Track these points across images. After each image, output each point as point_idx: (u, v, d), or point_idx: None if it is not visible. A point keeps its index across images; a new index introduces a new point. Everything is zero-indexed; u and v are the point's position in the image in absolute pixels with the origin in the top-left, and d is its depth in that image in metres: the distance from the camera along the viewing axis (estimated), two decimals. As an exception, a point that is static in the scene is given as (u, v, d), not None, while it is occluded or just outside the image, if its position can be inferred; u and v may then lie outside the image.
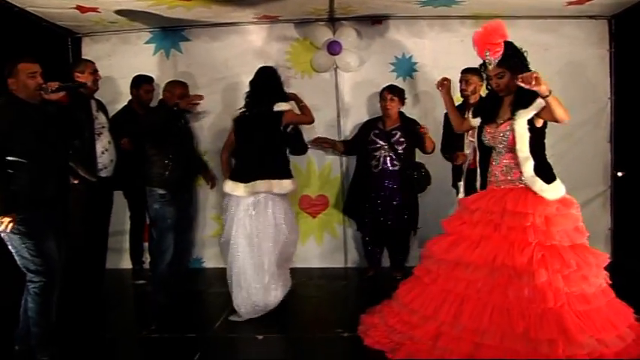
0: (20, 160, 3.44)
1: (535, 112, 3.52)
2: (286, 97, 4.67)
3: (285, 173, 4.55)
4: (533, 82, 3.29)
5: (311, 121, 4.87)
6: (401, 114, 5.23)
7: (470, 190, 4.17)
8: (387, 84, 5.29)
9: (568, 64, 5.62)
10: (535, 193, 3.53)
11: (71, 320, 4.15)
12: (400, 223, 5.20)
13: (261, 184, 4.39)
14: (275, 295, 4.40)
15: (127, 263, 5.80)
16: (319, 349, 3.92)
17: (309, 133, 5.41)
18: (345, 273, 5.71)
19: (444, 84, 4.16)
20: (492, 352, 3.27)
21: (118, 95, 5.68)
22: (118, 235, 5.75)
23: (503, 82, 3.63)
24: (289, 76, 5.39)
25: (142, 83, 5.38)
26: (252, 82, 4.68)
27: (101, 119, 4.78)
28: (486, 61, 3.65)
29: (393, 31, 5.72)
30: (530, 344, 3.21)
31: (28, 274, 3.52)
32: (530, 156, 3.55)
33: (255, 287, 4.34)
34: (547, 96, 3.33)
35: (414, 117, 5.34)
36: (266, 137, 4.50)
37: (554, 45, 5.60)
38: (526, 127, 3.54)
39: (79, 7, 4.93)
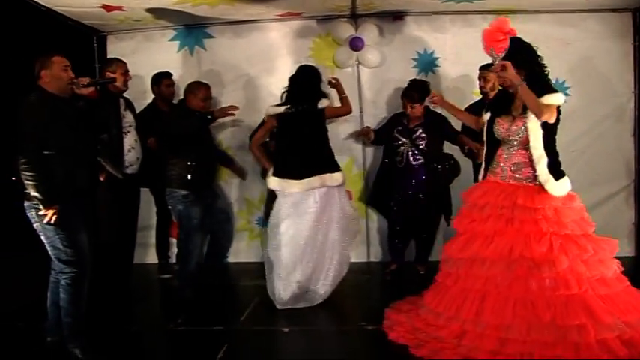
0: (54, 152, 3.53)
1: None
2: (326, 94, 4.77)
3: (335, 166, 4.70)
4: (499, 69, 3.54)
5: (348, 111, 4.91)
6: (426, 109, 5.20)
7: None
8: (408, 83, 5.26)
9: (590, 57, 5.61)
10: (542, 190, 3.59)
11: (99, 313, 4.23)
12: (426, 217, 5.25)
13: (315, 180, 4.51)
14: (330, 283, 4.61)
15: (153, 258, 5.90)
16: (343, 342, 3.99)
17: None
18: (368, 267, 5.76)
19: (435, 100, 4.26)
20: (519, 345, 3.29)
21: (142, 92, 5.76)
22: (145, 231, 5.84)
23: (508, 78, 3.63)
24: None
25: (161, 79, 5.47)
26: (294, 80, 4.74)
27: (129, 118, 4.84)
28: (492, 58, 3.71)
29: (415, 26, 5.75)
30: (559, 332, 3.24)
31: (59, 264, 3.61)
32: (545, 153, 3.59)
33: (316, 278, 4.57)
34: (517, 86, 3.52)
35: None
36: (315, 133, 4.64)
37: (576, 39, 5.60)
38: (539, 123, 3.56)
39: (104, 6, 5.02)
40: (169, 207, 4.85)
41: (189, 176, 4.64)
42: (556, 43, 5.55)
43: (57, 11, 5.09)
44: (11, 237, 5.49)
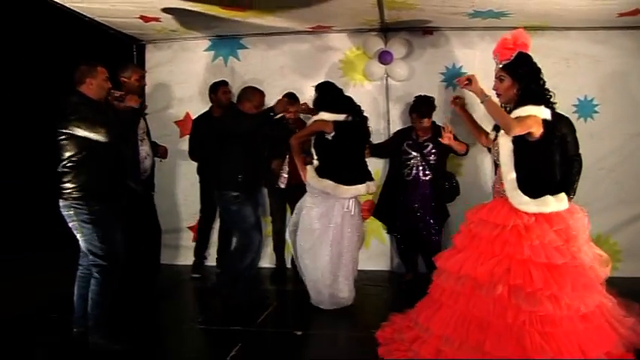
0: (95, 153, 3.77)
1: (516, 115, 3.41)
2: None
3: (371, 175, 4.93)
4: (465, 82, 3.46)
5: None
6: (433, 124, 5.32)
7: None
8: (415, 99, 5.37)
9: (620, 75, 5.58)
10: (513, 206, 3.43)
11: (124, 311, 4.40)
12: (431, 231, 5.29)
13: (363, 187, 4.73)
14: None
15: (182, 259, 6.08)
16: (352, 348, 4.06)
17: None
18: (389, 276, 5.82)
19: (457, 102, 3.99)
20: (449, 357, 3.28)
21: (172, 100, 5.96)
22: (174, 233, 6.01)
23: (502, 87, 3.54)
24: None
25: (218, 87, 5.63)
26: (339, 91, 4.88)
27: (142, 124, 4.94)
28: (495, 63, 3.63)
29: (444, 41, 5.82)
30: (484, 357, 3.16)
31: (93, 258, 3.80)
32: (513, 169, 3.45)
33: (346, 281, 4.69)
34: (482, 101, 3.41)
35: (461, 126, 5.32)
36: (365, 144, 4.99)
37: (605, 56, 5.57)
38: (508, 138, 3.44)
39: (142, 17, 5.25)
40: (221, 209, 4.90)
41: (240, 176, 4.69)
42: (586, 60, 5.56)
43: (99, 21, 5.33)
44: (44, 236, 5.72)
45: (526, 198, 3.38)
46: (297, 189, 5.39)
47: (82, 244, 3.83)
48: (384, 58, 5.67)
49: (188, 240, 6.23)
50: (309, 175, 4.70)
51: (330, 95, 4.80)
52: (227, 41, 6.11)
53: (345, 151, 4.73)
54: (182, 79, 5.97)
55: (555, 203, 3.40)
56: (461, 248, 3.56)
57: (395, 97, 5.92)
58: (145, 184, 4.95)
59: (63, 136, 3.74)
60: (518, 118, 3.37)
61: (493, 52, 3.64)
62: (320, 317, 4.62)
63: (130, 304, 4.61)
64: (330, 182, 4.62)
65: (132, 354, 3.83)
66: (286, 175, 5.57)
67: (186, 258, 6.06)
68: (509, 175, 3.45)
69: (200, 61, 6.17)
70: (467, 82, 3.53)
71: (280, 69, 6.04)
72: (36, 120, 4.61)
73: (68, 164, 3.75)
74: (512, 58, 3.50)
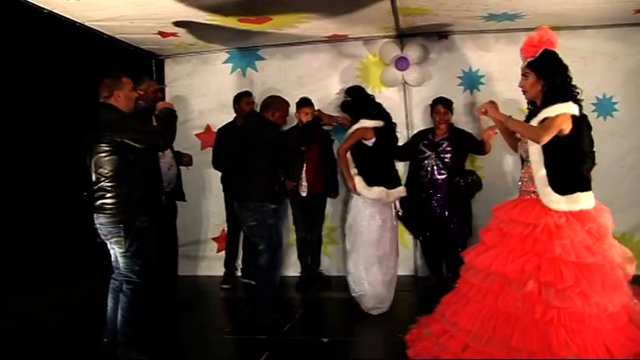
0: (138, 165, 3.82)
1: (545, 116, 3.44)
2: None
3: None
4: (483, 110, 3.62)
5: None
6: (450, 125, 5.38)
7: None
8: (437, 97, 5.44)
9: (638, 71, 5.56)
10: (544, 204, 3.43)
11: (150, 322, 4.44)
12: (452, 232, 5.27)
13: (402, 189, 4.95)
14: None
15: (202, 270, 6.14)
16: (379, 353, 4.11)
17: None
18: (414, 281, 5.83)
19: (492, 107, 3.77)
20: (476, 354, 3.31)
21: (192, 113, 6.04)
22: (195, 245, 6.07)
23: (528, 84, 3.58)
24: None
25: (241, 97, 5.74)
26: (369, 97, 5.04)
27: None
28: (522, 60, 3.65)
29: (460, 45, 5.85)
30: (511, 352, 3.18)
31: (128, 274, 3.81)
32: (543, 166, 3.46)
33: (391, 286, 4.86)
34: (506, 123, 3.56)
35: (478, 129, 5.43)
36: (395, 148, 5.12)
37: (624, 53, 5.56)
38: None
39: (160, 33, 5.35)
40: (253, 222, 4.53)
41: (276, 187, 4.63)
42: (603, 59, 5.55)
43: (118, 38, 5.45)
44: (73, 251, 5.83)
45: (557, 196, 3.39)
46: (319, 198, 5.45)
47: (121, 260, 3.81)
48: (401, 64, 5.71)
49: (211, 251, 6.30)
50: (361, 186, 4.75)
51: (366, 101, 4.93)
52: (245, 53, 6.19)
53: (384, 156, 4.87)
54: (201, 91, 6.06)
55: (585, 200, 3.42)
56: (490, 245, 3.58)
57: (413, 103, 5.95)
58: (171, 195, 4.99)
59: (106, 150, 3.71)
60: (547, 121, 3.39)
61: (520, 50, 3.66)
62: (346, 324, 4.68)
63: (152, 316, 4.63)
64: (382, 189, 4.75)
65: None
66: (305, 184, 5.60)
67: (208, 269, 6.16)
68: (540, 172, 3.46)
69: (219, 73, 6.26)
70: (484, 111, 3.65)
71: (298, 79, 6.10)
72: (64, 135, 4.68)
73: (113, 178, 3.72)
74: (537, 55, 3.53)
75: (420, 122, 5.93)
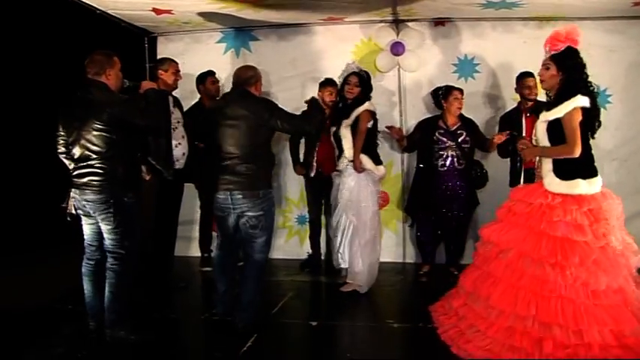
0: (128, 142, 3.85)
1: (553, 117, 3.68)
2: None
3: None
4: (521, 149, 4.04)
5: None
6: (460, 114, 5.34)
7: None
8: (447, 85, 5.39)
9: (633, 65, 5.56)
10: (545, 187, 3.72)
11: (141, 301, 4.45)
12: (463, 218, 5.37)
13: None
14: None
15: (195, 251, 6.11)
16: (368, 338, 4.11)
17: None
18: (402, 268, 5.85)
19: (527, 148, 4.02)
20: (466, 310, 3.82)
21: (190, 92, 5.97)
22: (188, 225, 6.05)
23: (547, 74, 3.76)
24: None
25: (206, 77, 5.70)
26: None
27: (177, 114, 5.03)
28: (545, 52, 3.80)
29: (456, 32, 5.81)
30: (487, 310, 3.61)
31: (114, 249, 3.83)
32: None
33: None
34: (540, 154, 3.82)
35: (472, 118, 5.44)
36: None
37: (621, 46, 5.54)
38: (545, 126, 3.74)
39: (154, 10, 5.26)
40: (259, 212, 4.04)
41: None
42: (600, 51, 5.50)
43: (110, 14, 5.35)
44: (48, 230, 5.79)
45: (557, 180, 3.67)
46: (330, 179, 5.42)
47: (108, 236, 3.82)
48: (396, 49, 5.67)
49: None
50: (370, 165, 4.93)
51: (370, 85, 5.05)
52: (239, 33, 6.12)
53: (376, 137, 5.11)
54: (194, 70, 5.96)
55: (585, 186, 3.62)
56: (499, 220, 3.93)
57: (407, 88, 5.91)
58: (176, 173, 4.95)
59: (100, 128, 3.70)
60: (567, 132, 3.59)
61: (544, 43, 3.80)
62: (335, 308, 4.68)
63: (145, 295, 4.67)
64: (381, 167, 5.06)
65: (150, 344, 3.88)
66: (315, 164, 5.56)
67: (199, 250, 6.10)
68: (543, 159, 3.79)
69: (212, 52, 6.18)
70: (521, 149, 4.05)
71: (292, 60, 6.04)
72: (44, 113, 4.61)
73: (104, 155, 3.72)
74: (561, 50, 3.69)
75: (414, 108, 5.91)
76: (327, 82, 5.37)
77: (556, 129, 3.66)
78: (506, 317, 3.51)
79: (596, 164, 3.68)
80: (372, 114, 4.98)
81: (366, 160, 4.89)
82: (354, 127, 4.92)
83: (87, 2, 4.93)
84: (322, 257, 5.88)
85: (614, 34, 5.54)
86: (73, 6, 4.91)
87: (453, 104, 5.25)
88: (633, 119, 5.56)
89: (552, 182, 3.68)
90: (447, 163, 5.25)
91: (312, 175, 5.58)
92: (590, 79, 3.75)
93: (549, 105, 3.78)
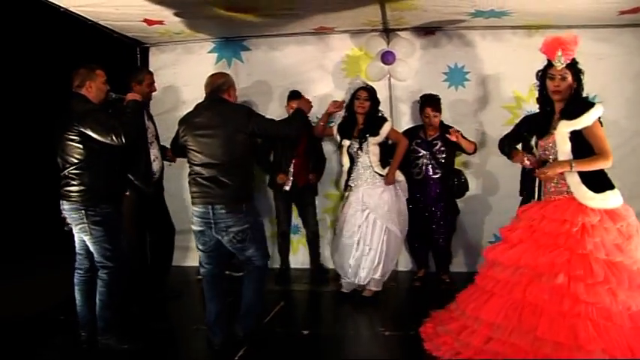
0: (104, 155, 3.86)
1: (579, 127, 3.53)
2: None
3: None
4: (543, 175, 3.60)
5: None
6: (441, 123, 5.37)
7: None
8: (426, 95, 5.41)
9: (623, 72, 5.60)
10: (579, 203, 3.50)
11: (135, 311, 4.52)
12: (442, 228, 5.36)
13: None
14: None
15: (192, 261, 6.11)
16: (359, 346, 4.12)
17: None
18: (395, 275, 5.80)
19: (550, 169, 3.66)
20: (499, 346, 3.39)
21: (180, 103, 6.00)
22: (183, 234, 6.03)
23: (564, 85, 3.62)
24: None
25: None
26: None
27: (152, 128, 5.02)
28: (555, 59, 3.63)
29: (446, 41, 5.85)
30: (535, 342, 3.26)
31: (103, 261, 3.87)
32: None
33: None
34: (571, 169, 3.51)
35: (464, 125, 5.49)
36: None
37: (610, 54, 5.57)
38: (567, 136, 3.55)
39: (146, 20, 5.28)
40: (245, 225, 3.86)
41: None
42: (588, 59, 5.48)
43: (102, 24, 5.37)
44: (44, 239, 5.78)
45: (591, 193, 3.49)
46: (303, 190, 5.44)
47: (91, 246, 3.88)
48: (387, 58, 5.70)
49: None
50: (399, 174, 5.04)
51: (378, 99, 5.13)
52: (230, 43, 6.14)
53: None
54: (186, 81, 6.01)
55: (614, 198, 3.53)
56: (517, 242, 3.65)
57: (398, 97, 5.94)
58: (157, 186, 5.01)
59: (72, 139, 3.79)
60: (597, 142, 3.50)
61: (551, 50, 3.67)
62: (327, 317, 4.73)
63: (140, 305, 4.70)
64: (401, 176, 5.10)
65: (141, 354, 3.89)
66: (291, 178, 5.58)
67: (194, 259, 6.06)
68: (572, 172, 3.54)
69: (203, 63, 6.18)
70: (545, 173, 3.60)
71: (283, 70, 6.07)
72: (38, 122, 4.64)
73: (77, 166, 3.81)
74: (572, 59, 3.64)
75: (405, 116, 5.94)
76: (293, 95, 5.46)
77: (578, 140, 3.53)
78: (567, 352, 3.20)
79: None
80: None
81: (398, 174, 5.02)
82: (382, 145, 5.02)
83: (79, 13, 4.95)
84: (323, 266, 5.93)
85: (602, 42, 5.58)
86: (66, 17, 4.91)
87: (425, 120, 5.35)
88: (621, 126, 5.58)
89: (587, 195, 3.49)
90: (422, 171, 5.31)
91: (287, 188, 5.58)
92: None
93: (567, 115, 3.59)
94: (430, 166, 5.29)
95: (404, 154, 5.03)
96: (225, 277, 4.19)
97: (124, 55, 6.08)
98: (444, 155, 5.29)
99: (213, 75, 4.16)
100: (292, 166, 5.56)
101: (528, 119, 4.64)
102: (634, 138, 5.64)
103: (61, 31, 5.68)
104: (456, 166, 5.53)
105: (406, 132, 5.52)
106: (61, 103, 3.97)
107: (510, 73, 5.42)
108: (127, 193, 4.69)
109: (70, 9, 4.81)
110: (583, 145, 3.53)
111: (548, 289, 3.34)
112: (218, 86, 4.00)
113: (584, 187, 3.50)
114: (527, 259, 3.51)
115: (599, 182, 3.53)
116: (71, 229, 3.97)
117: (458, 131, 5.09)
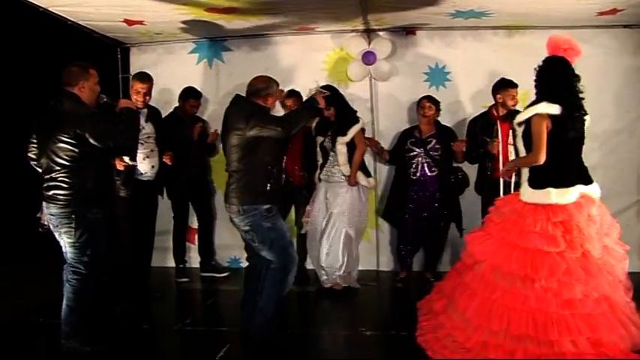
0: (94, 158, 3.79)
1: (521, 119, 3.78)
2: None
3: None
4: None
5: None
6: (437, 122, 5.41)
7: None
8: (425, 94, 5.49)
9: (603, 73, 5.62)
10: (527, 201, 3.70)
11: (115, 312, 4.51)
12: (438, 225, 5.40)
13: None
14: None
15: (172, 262, 6.05)
16: (340, 346, 4.17)
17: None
18: (376, 275, 5.87)
19: (507, 171, 4.35)
20: (472, 342, 3.54)
21: (162, 104, 5.96)
22: (164, 235, 6.01)
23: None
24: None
25: (188, 98, 5.66)
26: None
27: (148, 129, 5.03)
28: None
29: (427, 41, 5.87)
30: (506, 339, 3.40)
31: (75, 265, 3.78)
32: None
33: None
34: (515, 166, 4.03)
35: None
36: None
37: (588, 55, 5.51)
38: (520, 130, 3.80)
39: (126, 21, 5.26)
40: (247, 228, 3.91)
41: (268, 186, 3.91)
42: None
43: (83, 25, 5.33)
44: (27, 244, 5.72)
45: (530, 189, 3.69)
46: (299, 189, 5.42)
47: (69, 250, 3.78)
48: (368, 58, 5.72)
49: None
50: (361, 178, 5.17)
51: (339, 96, 5.25)
52: (211, 43, 6.13)
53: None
54: (167, 81, 5.99)
55: (557, 196, 3.59)
56: (482, 229, 3.97)
57: (380, 97, 5.96)
58: (147, 185, 5.02)
59: (66, 141, 3.66)
60: (532, 128, 3.65)
61: (572, 55, 3.99)
62: (309, 316, 4.73)
63: (120, 306, 4.70)
64: (371, 179, 5.35)
65: (119, 355, 3.87)
66: (284, 175, 5.51)
67: (174, 261, 6.06)
68: (523, 169, 3.84)
69: (185, 63, 6.18)
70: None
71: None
72: (19, 125, 4.58)
73: (68, 169, 3.69)
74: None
75: (386, 117, 5.95)
76: (291, 94, 5.48)
77: (527, 136, 3.71)
78: (481, 332, 3.48)
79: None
80: (363, 131, 5.26)
81: (360, 176, 5.12)
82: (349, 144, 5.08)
83: (59, 13, 4.92)
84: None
85: (581, 43, 5.42)
86: (45, 17, 4.88)
87: (420, 112, 5.38)
88: (601, 127, 5.59)
89: (526, 192, 3.70)
90: (418, 170, 5.32)
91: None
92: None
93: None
94: (425, 164, 5.31)
95: (362, 158, 5.20)
96: (259, 271, 4.07)
97: (105, 56, 6.04)
98: (438, 153, 5.31)
99: (256, 77, 4.15)
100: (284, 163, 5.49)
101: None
102: (614, 137, 5.71)
103: (41, 31, 5.65)
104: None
105: (402, 133, 5.57)
106: (40, 103, 3.88)
107: (491, 73, 5.42)
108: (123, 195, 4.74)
109: (50, 9, 4.78)
110: (531, 143, 3.70)
111: (479, 276, 3.65)
112: (254, 90, 4.03)
113: (526, 184, 3.74)
114: (472, 245, 3.82)
115: (541, 179, 3.66)
116: (48, 230, 3.88)
117: (463, 141, 5.18)
